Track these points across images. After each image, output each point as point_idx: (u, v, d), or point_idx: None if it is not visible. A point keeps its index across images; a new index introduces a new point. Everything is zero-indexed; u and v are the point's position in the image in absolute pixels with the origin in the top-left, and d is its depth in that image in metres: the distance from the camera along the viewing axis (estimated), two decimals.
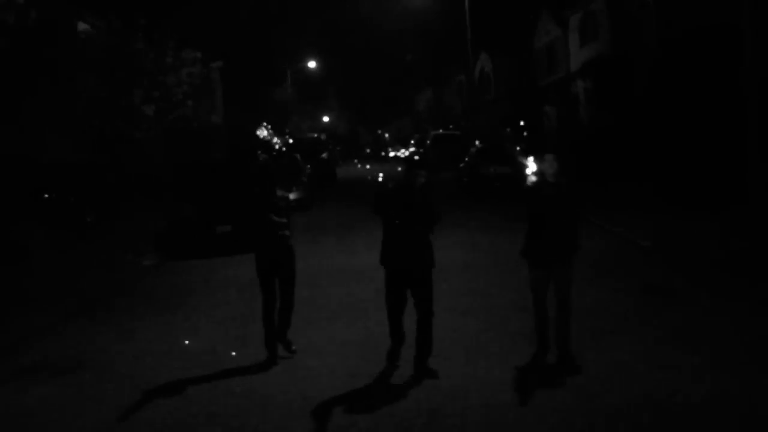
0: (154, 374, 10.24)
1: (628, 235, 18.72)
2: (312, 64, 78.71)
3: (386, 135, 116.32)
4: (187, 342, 11.71)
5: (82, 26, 28.48)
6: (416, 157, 12.36)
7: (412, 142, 61.78)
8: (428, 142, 53.28)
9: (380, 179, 10.25)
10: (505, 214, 23.76)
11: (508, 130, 48.52)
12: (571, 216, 9.78)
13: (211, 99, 35.88)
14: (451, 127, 61.07)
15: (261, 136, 40.53)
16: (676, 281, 14.05)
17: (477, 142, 39.74)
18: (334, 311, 13.10)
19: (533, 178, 9.81)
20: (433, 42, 77.45)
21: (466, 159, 34.42)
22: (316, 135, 51.04)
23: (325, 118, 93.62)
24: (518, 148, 13.90)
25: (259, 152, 24.27)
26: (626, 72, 35.32)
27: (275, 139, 48.83)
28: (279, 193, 10.65)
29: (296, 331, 11.09)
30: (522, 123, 50.18)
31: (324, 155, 42.11)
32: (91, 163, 24.81)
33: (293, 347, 10.73)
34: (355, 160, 66.36)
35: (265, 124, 40.48)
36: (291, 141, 47.97)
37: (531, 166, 9.85)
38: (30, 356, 11.49)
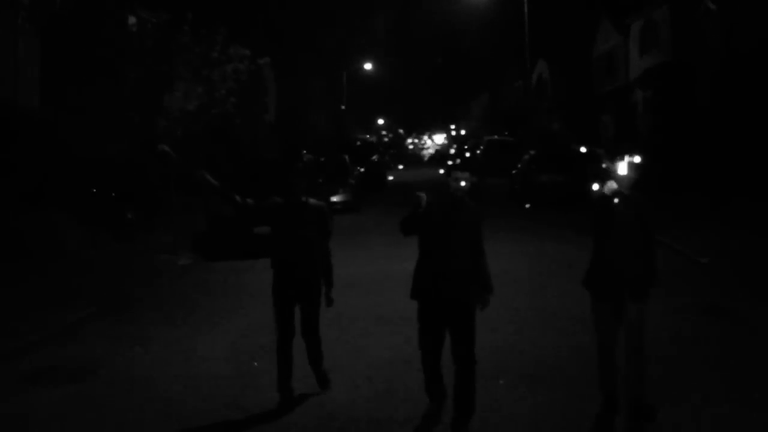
0: (168, 384, 9.55)
1: (685, 249, 17.68)
2: (368, 66, 78.21)
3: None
4: (208, 351, 11.03)
5: (132, 20, 28.13)
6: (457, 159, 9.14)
7: (466, 147, 60.63)
8: (482, 147, 52.39)
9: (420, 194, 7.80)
10: (557, 224, 22.89)
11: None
12: (648, 238, 7.95)
13: (261, 97, 35.22)
14: (506, 133, 60.05)
15: None
16: (738, 302, 13.01)
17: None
18: (370, 323, 12.27)
19: (612, 185, 7.78)
20: (491, 48, 76.43)
21: (519, 166, 33.49)
22: (367, 137, 50.40)
23: (380, 121, 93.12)
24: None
25: (304, 152, 23.49)
26: (688, 81, 34.23)
27: None
28: (311, 202, 8.85)
29: (324, 344, 10.29)
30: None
31: (374, 158, 41.40)
32: (133, 160, 24.34)
33: (329, 382, 9.05)
34: (400, 166, 65.01)
35: None
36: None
37: (619, 170, 7.80)
38: (43, 359, 10.85)
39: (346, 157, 31.08)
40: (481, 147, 52.74)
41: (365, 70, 78.75)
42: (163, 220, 23.39)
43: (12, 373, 10.23)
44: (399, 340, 10.88)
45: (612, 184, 7.77)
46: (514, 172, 34.08)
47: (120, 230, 21.38)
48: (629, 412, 7.82)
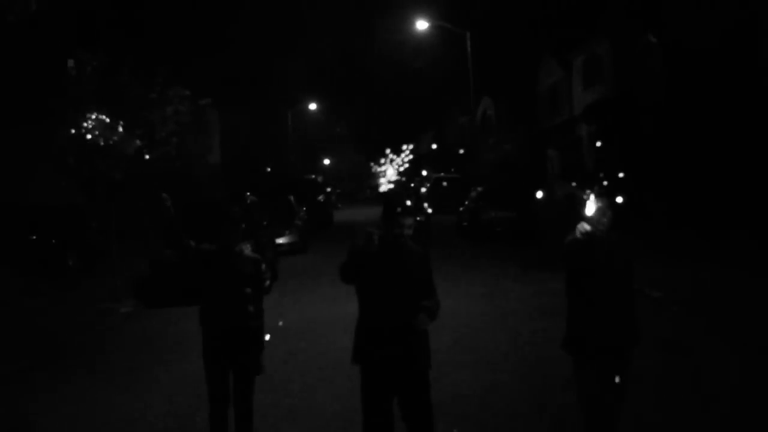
0: None
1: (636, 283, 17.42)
2: (313, 106, 78.01)
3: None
4: (147, 407, 10.51)
5: (71, 63, 27.66)
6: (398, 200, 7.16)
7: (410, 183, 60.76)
8: (428, 185, 52.42)
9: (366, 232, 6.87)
10: (506, 261, 22.66)
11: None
12: (628, 286, 7.06)
13: (204, 138, 34.84)
14: (452, 170, 60.16)
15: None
16: (690, 337, 12.80)
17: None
18: (317, 373, 11.80)
19: (585, 228, 6.91)
20: (436, 84, 76.82)
21: (466, 202, 33.36)
22: (313, 176, 50.12)
23: (326, 161, 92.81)
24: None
25: (248, 194, 22.98)
26: (632, 113, 34.44)
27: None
28: (246, 252, 7.90)
29: (274, 392, 9.87)
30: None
31: (320, 198, 41.12)
32: (74, 205, 23.81)
33: None
34: (339, 205, 64.93)
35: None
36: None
37: (590, 207, 6.86)
38: None
39: (292, 197, 30.70)
40: (428, 185, 52.77)
41: (310, 111, 78.58)
42: (104, 266, 22.81)
43: None
44: (348, 392, 10.42)
45: (584, 227, 6.94)
46: (461, 208, 33.96)
47: (60, 278, 20.84)
48: None
